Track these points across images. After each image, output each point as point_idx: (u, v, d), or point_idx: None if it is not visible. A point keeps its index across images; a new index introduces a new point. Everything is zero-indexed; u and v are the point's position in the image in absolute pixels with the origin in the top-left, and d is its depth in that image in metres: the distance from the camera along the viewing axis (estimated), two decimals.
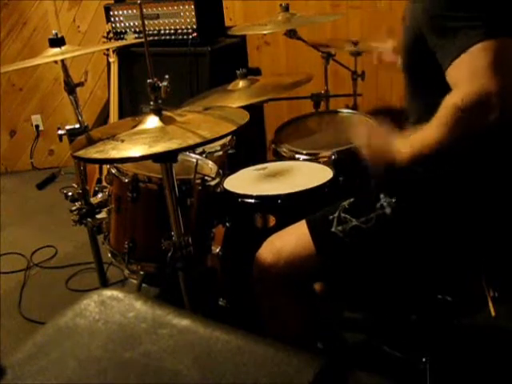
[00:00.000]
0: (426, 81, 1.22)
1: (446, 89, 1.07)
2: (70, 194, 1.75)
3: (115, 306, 0.81)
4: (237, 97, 1.85)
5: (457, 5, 1.05)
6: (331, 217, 1.25)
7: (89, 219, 1.75)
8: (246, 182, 1.64)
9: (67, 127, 1.68)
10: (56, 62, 1.62)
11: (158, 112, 1.27)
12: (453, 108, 1.03)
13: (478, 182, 1.19)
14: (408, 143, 1.14)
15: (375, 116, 2.03)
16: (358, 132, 1.26)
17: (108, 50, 2.85)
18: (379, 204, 1.22)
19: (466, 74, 1.02)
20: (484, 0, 1.05)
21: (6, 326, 2.10)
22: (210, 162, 1.73)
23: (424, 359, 1.53)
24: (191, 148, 1.52)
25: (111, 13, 2.85)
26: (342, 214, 1.24)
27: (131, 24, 2.82)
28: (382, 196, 1.23)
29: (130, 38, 2.80)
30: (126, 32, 2.83)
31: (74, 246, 2.67)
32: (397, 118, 1.50)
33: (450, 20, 1.06)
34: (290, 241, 1.29)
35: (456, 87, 1.04)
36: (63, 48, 1.62)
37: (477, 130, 1.04)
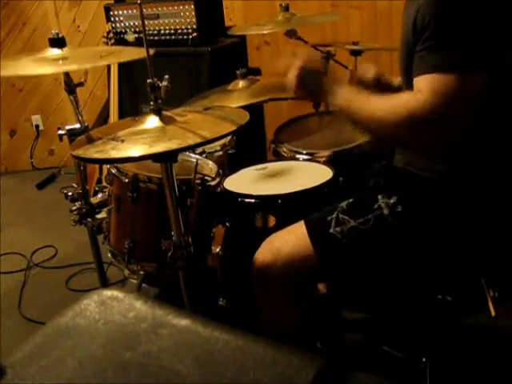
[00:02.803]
0: None
1: None
2: (70, 194, 1.75)
3: (115, 306, 0.81)
4: (237, 97, 1.85)
5: (446, 23, 1.07)
6: (329, 218, 1.26)
7: (89, 219, 1.75)
8: (246, 182, 1.64)
9: (67, 127, 1.68)
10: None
11: (157, 112, 1.27)
12: (410, 110, 1.08)
13: (477, 181, 1.19)
14: (350, 92, 1.22)
15: None
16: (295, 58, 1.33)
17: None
18: (377, 205, 1.23)
19: (437, 93, 1.06)
20: (470, 29, 1.06)
21: (6, 326, 2.10)
22: (210, 162, 1.73)
23: (424, 359, 1.53)
24: (191, 148, 1.52)
25: (111, 13, 2.85)
26: (340, 215, 1.25)
27: (131, 24, 2.82)
28: (379, 197, 1.23)
29: (130, 38, 2.80)
30: (126, 32, 2.83)
31: (74, 246, 2.67)
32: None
33: (436, 35, 1.08)
34: (289, 241, 1.29)
35: (421, 96, 1.08)
36: (65, 50, 1.62)
37: (413, 139, 1.13)
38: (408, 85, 1.27)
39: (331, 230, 1.24)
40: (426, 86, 1.08)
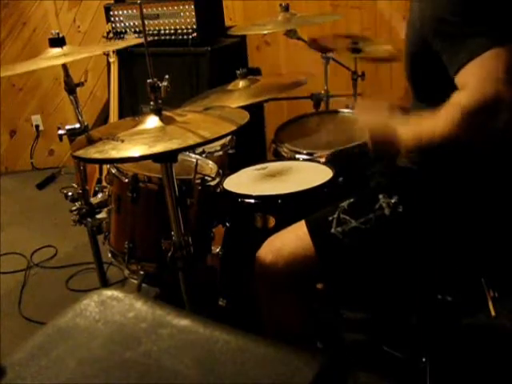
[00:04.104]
0: (428, 83, 1.22)
1: (449, 93, 1.08)
2: (70, 194, 1.75)
3: (115, 306, 0.81)
4: (237, 97, 1.85)
5: (465, 10, 1.06)
6: (330, 218, 1.26)
7: (89, 219, 1.75)
8: (246, 182, 1.64)
9: (67, 127, 1.68)
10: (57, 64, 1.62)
11: (157, 112, 1.27)
12: (462, 109, 1.03)
13: (477, 181, 1.19)
14: (411, 131, 1.15)
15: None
16: (362, 106, 1.28)
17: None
18: (378, 205, 1.23)
19: (477, 78, 1.03)
20: (491, 7, 1.05)
21: (6, 326, 2.10)
22: (210, 162, 1.73)
23: (424, 359, 1.53)
24: (191, 148, 1.52)
25: (111, 13, 2.85)
26: (342, 215, 1.25)
27: (131, 24, 2.82)
28: (380, 197, 1.23)
29: (130, 38, 2.80)
30: (126, 32, 2.83)
31: (74, 246, 2.67)
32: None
33: (459, 25, 1.06)
34: (290, 241, 1.29)
35: (465, 90, 1.05)
36: (64, 48, 1.62)
37: (484, 133, 1.05)
38: (413, 84, 1.27)
39: (332, 230, 1.24)
40: (469, 77, 1.05)
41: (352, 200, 1.28)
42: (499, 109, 1.01)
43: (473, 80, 1.04)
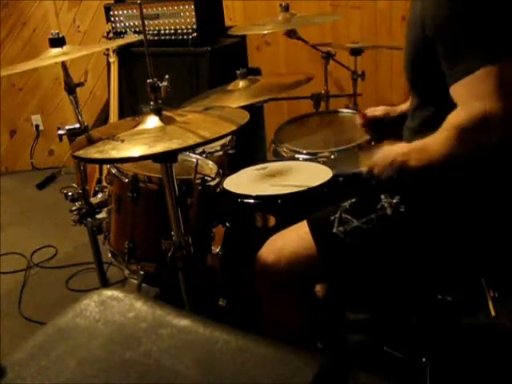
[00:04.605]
0: (429, 82, 1.22)
1: (447, 95, 1.08)
2: (70, 194, 1.75)
3: (115, 306, 0.81)
4: (237, 97, 1.85)
5: (464, 21, 1.06)
6: (332, 217, 1.26)
7: (89, 219, 1.75)
8: (246, 182, 1.64)
9: (67, 127, 1.68)
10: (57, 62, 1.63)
11: (157, 112, 1.27)
12: (457, 128, 1.06)
13: (478, 181, 1.19)
14: (411, 155, 1.17)
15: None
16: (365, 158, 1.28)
17: (108, 49, 2.86)
18: (380, 205, 1.23)
19: (470, 95, 1.05)
20: (490, 21, 1.05)
21: (6, 326, 2.10)
22: (210, 162, 1.73)
23: (424, 359, 1.53)
24: (191, 148, 1.52)
25: (111, 13, 2.85)
26: (343, 215, 1.25)
27: (131, 24, 2.82)
28: (382, 197, 1.23)
29: (130, 38, 2.80)
30: (125, 32, 2.83)
31: (74, 246, 2.67)
32: (396, 120, 1.50)
33: (457, 35, 1.07)
34: (292, 241, 1.29)
35: (460, 106, 1.07)
36: (64, 48, 1.62)
37: (479, 149, 1.08)
38: (415, 86, 1.27)
39: (334, 230, 1.24)
40: (463, 93, 1.07)
41: (354, 200, 1.28)
42: (489, 126, 1.03)
43: (466, 97, 1.06)
